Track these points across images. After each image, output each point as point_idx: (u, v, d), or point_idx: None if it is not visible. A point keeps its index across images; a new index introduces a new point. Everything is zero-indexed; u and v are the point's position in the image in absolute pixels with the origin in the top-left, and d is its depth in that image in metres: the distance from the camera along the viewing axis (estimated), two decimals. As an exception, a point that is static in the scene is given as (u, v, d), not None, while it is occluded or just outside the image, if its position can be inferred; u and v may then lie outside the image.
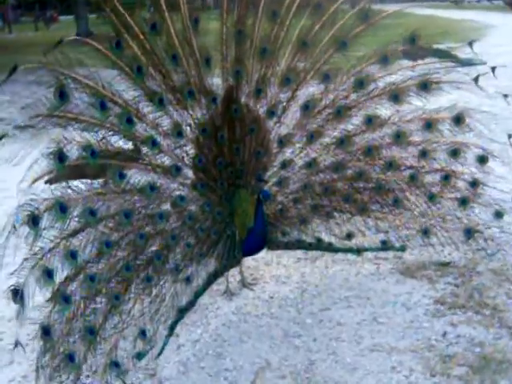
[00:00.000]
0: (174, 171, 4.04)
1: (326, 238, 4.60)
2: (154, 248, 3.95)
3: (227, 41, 4.14)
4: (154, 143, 3.91)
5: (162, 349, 3.86)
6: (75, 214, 3.61)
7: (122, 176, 3.80)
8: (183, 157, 4.12)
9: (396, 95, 4.33)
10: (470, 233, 4.56)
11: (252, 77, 4.21)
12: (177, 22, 4.00)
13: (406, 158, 4.46)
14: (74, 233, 3.62)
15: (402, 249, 4.74)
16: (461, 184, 4.49)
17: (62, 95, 3.54)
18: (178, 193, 4.10)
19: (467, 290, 4.42)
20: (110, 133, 3.79)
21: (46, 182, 3.66)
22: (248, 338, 4.05)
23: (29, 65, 3.42)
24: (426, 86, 4.32)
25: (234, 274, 4.74)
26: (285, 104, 4.30)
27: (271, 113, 4.27)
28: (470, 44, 4.51)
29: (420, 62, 4.33)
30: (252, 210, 4.18)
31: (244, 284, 4.70)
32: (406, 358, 3.74)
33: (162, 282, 3.94)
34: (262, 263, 5.01)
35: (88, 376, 3.70)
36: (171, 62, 4.00)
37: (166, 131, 4.00)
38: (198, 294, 4.13)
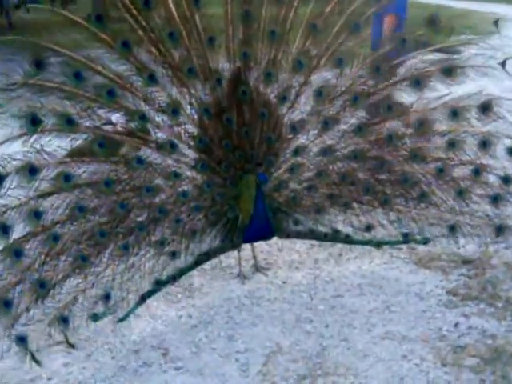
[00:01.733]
0: (169, 147, 3.98)
1: (343, 229, 4.45)
2: (138, 219, 3.95)
3: (233, 21, 4.05)
4: (142, 117, 3.89)
5: (127, 315, 3.90)
6: (49, 177, 3.65)
7: (101, 145, 3.78)
8: (181, 134, 4.06)
9: (418, 81, 4.14)
10: (501, 230, 4.27)
11: (261, 60, 4.12)
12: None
13: (432, 148, 4.25)
14: (45, 194, 3.66)
15: (425, 241, 4.48)
16: (492, 179, 4.25)
17: (39, 64, 3.58)
18: (172, 169, 4.04)
19: (480, 283, 4.42)
20: (95, 104, 3.80)
21: None
22: (260, 322, 4.07)
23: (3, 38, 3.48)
24: (450, 72, 4.11)
25: (247, 259, 4.76)
26: (298, 89, 4.18)
27: (283, 98, 4.15)
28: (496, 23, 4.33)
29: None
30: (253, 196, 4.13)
31: (257, 268, 4.71)
32: (418, 347, 3.75)
33: (142, 253, 3.95)
34: (276, 249, 5.02)
35: (26, 324, 3.75)
36: (169, 39, 3.93)
37: (161, 107, 3.96)
38: (183, 271, 4.14)
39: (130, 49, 3.84)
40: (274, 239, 4.57)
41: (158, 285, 4.02)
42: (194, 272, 4.63)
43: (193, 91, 4.05)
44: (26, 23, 14.83)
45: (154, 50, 3.94)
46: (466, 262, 4.71)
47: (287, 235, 4.48)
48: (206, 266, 4.67)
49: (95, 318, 3.81)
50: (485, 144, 4.14)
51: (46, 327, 3.68)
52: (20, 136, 3.57)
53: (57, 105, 3.68)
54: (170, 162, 4.05)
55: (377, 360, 3.66)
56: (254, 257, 4.73)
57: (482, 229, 4.28)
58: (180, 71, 3.98)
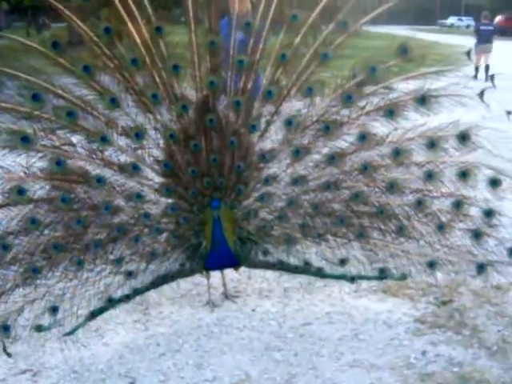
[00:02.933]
0: (131, 170, 4.02)
1: (316, 261, 4.37)
2: (95, 236, 3.99)
3: (198, 51, 4.05)
4: (103, 139, 3.93)
5: (75, 330, 3.97)
6: (2, 190, 3.75)
7: (58, 163, 3.83)
8: (144, 158, 4.09)
9: (392, 110, 4.09)
10: (482, 267, 4.15)
11: (230, 88, 4.13)
12: (138, 28, 3.99)
13: (409, 180, 4.14)
14: None
15: (403, 278, 4.38)
16: (474, 212, 4.15)
17: None
18: (135, 190, 4.07)
19: (448, 310, 4.46)
20: (54, 125, 3.88)
21: None
22: (229, 350, 4.06)
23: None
24: (424, 101, 4.05)
25: (216, 286, 4.75)
26: (268, 118, 4.17)
27: (252, 126, 4.15)
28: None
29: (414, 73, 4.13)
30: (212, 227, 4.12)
31: (226, 296, 4.70)
32: (385, 374, 3.76)
33: (97, 269, 4.00)
34: (245, 276, 5.02)
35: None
36: (132, 65, 3.98)
37: (123, 130, 4.00)
38: (138, 291, 4.17)
39: (92, 74, 3.91)
40: (243, 267, 4.56)
41: (111, 302, 4.06)
42: (164, 300, 4.64)
43: (158, 117, 4.07)
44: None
45: (117, 75, 4.00)
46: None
47: (255, 265, 4.47)
48: (176, 293, 4.67)
49: (39, 328, 3.90)
50: (464, 175, 4.06)
51: None
52: None
53: (12, 123, 3.77)
54: (132, 183, 4.07)
55: (345, 388, 3.66)
56: (224, 284, 4.72)
57: (462, 265, 4.20)
58: (144, 96, 4.02)
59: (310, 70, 4.13)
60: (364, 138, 4.14)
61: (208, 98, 4.05)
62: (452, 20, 67.85)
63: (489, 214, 4.12)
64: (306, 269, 4.39)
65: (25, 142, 3.75)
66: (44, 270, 3.85)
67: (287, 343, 4.13)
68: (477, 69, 18.01)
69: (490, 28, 19.86)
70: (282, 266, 4.40)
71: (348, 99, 4.12)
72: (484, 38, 19.13)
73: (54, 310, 3.87)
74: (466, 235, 4.15)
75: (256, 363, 3.91)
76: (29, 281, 3.82)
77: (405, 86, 4.15)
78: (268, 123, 4.19)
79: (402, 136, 4.12)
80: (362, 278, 4.43)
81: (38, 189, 3.84)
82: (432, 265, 4.21)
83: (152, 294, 4.67)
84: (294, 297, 4.74)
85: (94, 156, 3.97)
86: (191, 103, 4.07)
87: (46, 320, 3.87)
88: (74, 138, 3.96)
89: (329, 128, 4.13)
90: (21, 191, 3.76)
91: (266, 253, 4.35)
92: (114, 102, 3.95)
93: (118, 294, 4.07)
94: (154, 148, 4.12)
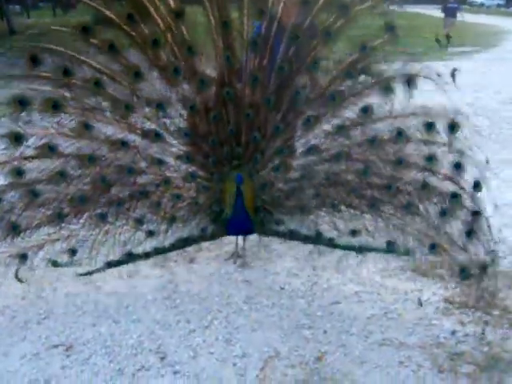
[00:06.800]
0: (154, 136, 4.18)
1: (328, 231, 4.37)
2: (119, 194, 4.20)
3: (216, 29, 4.14)
4: (127, 107, 4.11)
5: (89, 273, 4.25)
6: (34, 145, 4.03)
7: (87, 127, 4.08)
8: (167, 126, 4.23)
9: (387, 86, 4.10)
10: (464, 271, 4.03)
11: (246, 64, 4.22)
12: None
13: (418, 156, 4.11)
14: (30, 158, 4.04)
15: (407, 253, 4.33)
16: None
17: (35, 60, 3.96)
18: (157, 155, 4.23)
19: (477, 291, 4.43)
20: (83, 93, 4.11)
21: None
22: (258, 327, 4.09)
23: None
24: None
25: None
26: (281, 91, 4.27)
27: (267, 100, 4.24)
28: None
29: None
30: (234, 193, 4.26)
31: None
32: (415, 353, 3.77)
33: (119, 224, 4.22)
34: (275, 255, 5.04)
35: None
36: (153, 45, 4.11)
37: (148, 100, 4.15)
38: (158, 251, 4.32)
39: (118, 51, 4.07)
40: (274, 245, 4.58)
41: (130, 257, 4.23)
42: (193, 277, 4.67)
43: (180, 90, 4.20)
44: (25, 28, 14.90)
45: (141, 53, 4.14)
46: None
47: (266, 233, 4.60)
48: (205, 271, 4.70)
49: (55, 264, 4.17)
50: (458, 166, 4.03)
51: (6, 258, 4.04)
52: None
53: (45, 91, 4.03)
54: (155, 149, 4.23)
55: (374, 366, 3.67)
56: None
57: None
58: (167, 72, 4.15)
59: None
60: (367, 111, 4.17)
61: (224, 72, 4.18)
62: None
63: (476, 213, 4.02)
64: (317, 239, 4.42)
65: (55, 108, 4.01)
66: (69, 216, 4.14)
67: (316, 321, 4.14)
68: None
69: (455, 6, 25.08)
70: (293, 236, 4.47)
71: (349, 74, 4.18)
72: (450, 14, 24.18)
73: (73, 252, 4.15)
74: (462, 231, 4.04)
75: (285, 340, 3.94)
76: (54, 223, 4.11)
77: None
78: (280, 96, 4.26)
79: (403, 111, 4.10)
80: (369, 249, 4.42)
81: (68, 146, 4.06)
82: (433, 248, 4.15)
83: (181, 272, 4.74)
84: (323, 275, 4.75)
85: (119, 121, 4.15)
86: (210, 78, 4.21)
87: (63, 259, 4.15)
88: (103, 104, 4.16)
89: (334, 98, 4.19)
90: (51, 147, 4.03)
91: (278, 222, 4.44)
92: (138, 76, 4.11)
93: (139, 250, 4.24)
94: (176, 118, 4.25)
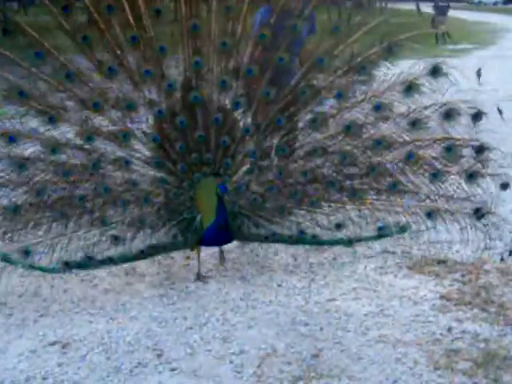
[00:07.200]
0: (121, 138, 4.22)
1: (311, 230, 4.45)
2: (82, 192, 4.23)
3: (185, 32, 4.19)
4: (95, 105, 4.18)
5: (42, 269, 4.25)
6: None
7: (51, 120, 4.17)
8: (133, 130, 4.26)
9: (364, 66, 4.24)
10: (478, 212, 4.23)
11: (214, 68, 4.25)
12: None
13: (396, 133, 4.22)
14: None
15: (404, 230, 4.40)
16: (466, 153, 4.19)
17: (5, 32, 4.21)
18: (122, 155, 4.26)
19: (474, 288, 4.45)
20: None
21: None
22: (255, 324, 4.09)
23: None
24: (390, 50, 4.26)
25: (248, 262, 4.79)
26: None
27: (236, 104, 4.29)
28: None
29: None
30: (215, 202, 4.22)
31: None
32: (411, 350, 3.77)
33: (82, 224, 4.24)
34: (271, 252, 5.04)
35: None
36: (128, 44, 4.18)
37: (114, 101, 4.20)
38: (126, 258, 4.32)
39: (91, 45, 4.16)
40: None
41: (90, 261, 4.22)
42: (190, 275, 4.67)
43: (147, 94, 4.23)
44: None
45: (111, 51, 4.21)
46: (440, 262, 4.75)
47: (247, 239, 4.57)
48: (201, 269, 4.70)
49: (6, 259, 4.17)
50: (448, 115, 4.14)
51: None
52: None
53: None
54: (121, 152, 4.29)
55: (371, 363, 3.67)
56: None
57: (459, 213, 4.29)
58: (135, 74, 4.20)
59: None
60: (341, 96, 4.24)
61: (191, 76, 4.21)
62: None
63: (480, 150, 4.15)
64: (300, 238, 4.45)
65: (22, 96, 4.11)
66: (28, 214, 4.19)
67: (313, 318, 4.14)
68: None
69: (445, 4, 25.33)
70: (274, 238, 4.48)
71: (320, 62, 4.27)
72: (441, 12, 24.10)
73: (26, 252, 4.17)
74: (461, 179, 4.20)
75: (282, 337, 3.94)
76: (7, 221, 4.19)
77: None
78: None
79: (378, 88, 4.20)
80: (359, 240, 4.49)
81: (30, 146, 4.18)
82: (430, 215, 4.26)
83: (178, 269, 4.74)
84: (319, 272, 4.75)
85: (85, 122, 4.21)
86: (176, 81, 4.25)
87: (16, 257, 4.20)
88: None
89: (304, 93, 4.26)
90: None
91: (257, 225, 4.41)
92: (110, 72, 4.17)
93: (102, 255, 4.25)
94: (143, 122, 4.30)
